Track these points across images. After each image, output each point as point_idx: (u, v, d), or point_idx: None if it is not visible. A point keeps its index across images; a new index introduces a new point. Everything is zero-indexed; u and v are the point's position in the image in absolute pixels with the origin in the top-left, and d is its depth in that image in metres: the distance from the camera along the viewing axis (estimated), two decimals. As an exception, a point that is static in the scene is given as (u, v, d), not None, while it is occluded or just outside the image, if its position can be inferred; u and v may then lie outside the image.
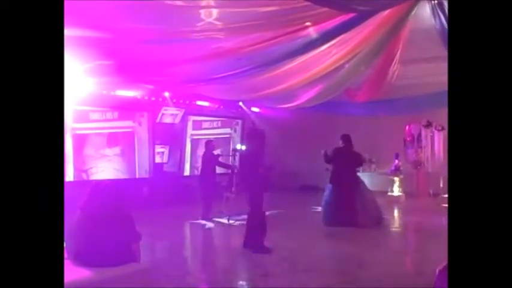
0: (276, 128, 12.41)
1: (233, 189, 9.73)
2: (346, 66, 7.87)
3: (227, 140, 13.50)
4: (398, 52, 7.45)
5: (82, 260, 3.71)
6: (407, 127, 13.52)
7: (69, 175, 9.89)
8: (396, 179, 12.47)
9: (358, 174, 8.87)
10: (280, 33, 6.02)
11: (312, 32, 6.06)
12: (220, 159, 10.24)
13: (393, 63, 7.88)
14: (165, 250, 7.15)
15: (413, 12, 6.12)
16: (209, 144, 10.24)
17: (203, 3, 4.95)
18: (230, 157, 10.54)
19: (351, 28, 6.14)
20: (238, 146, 11.46)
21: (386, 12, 5.88)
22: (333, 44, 6.72)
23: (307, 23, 5.70)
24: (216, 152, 10.49)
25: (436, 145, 12.93)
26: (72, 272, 3.59)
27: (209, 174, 9.82)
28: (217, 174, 10.08)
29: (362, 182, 8.84)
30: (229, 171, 10.21)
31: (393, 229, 8.60)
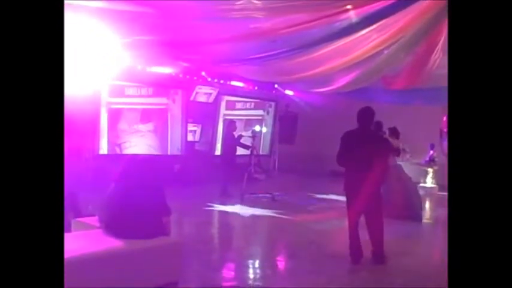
0: (309, 112, 12.30)
1: (252, 169, 9.86)
2: (386, 52, 7.66)
3: (259, 122, 13.49)
4: (442, 40, 7.18)
5: (114, 231, 3.81)
6: (444, 118, 13.15)
7: (104, 148, 10.14)
8: (430, 170, 12.23)
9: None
10: (320, 16, 5.90)
11: (352, 15, 5.91)
12: (242, 140, 10.34)
13: (435, 51, 7.61)
14: (193, 226, 7.27)
15: None
16: (231, 124, 10.36)
17: (244, -18, 4.91)
18: (250, 138, 10.54)
19: (393, 13, 5.96)
20: (257, 128, 11.43)
21: (432, -3, 5.68)
22: (373, 29, 6.53)
23: (348, 6, 5.57)
24: (244, 133, 10.59)
25: (473, 138, 12.56)
26: (103, 241, 3.70)
27: (229, 154, 9.99)
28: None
29: (394, 172, 8.52)
30: (249, 152, 10.26)
31: (424, 221, 8.42)
